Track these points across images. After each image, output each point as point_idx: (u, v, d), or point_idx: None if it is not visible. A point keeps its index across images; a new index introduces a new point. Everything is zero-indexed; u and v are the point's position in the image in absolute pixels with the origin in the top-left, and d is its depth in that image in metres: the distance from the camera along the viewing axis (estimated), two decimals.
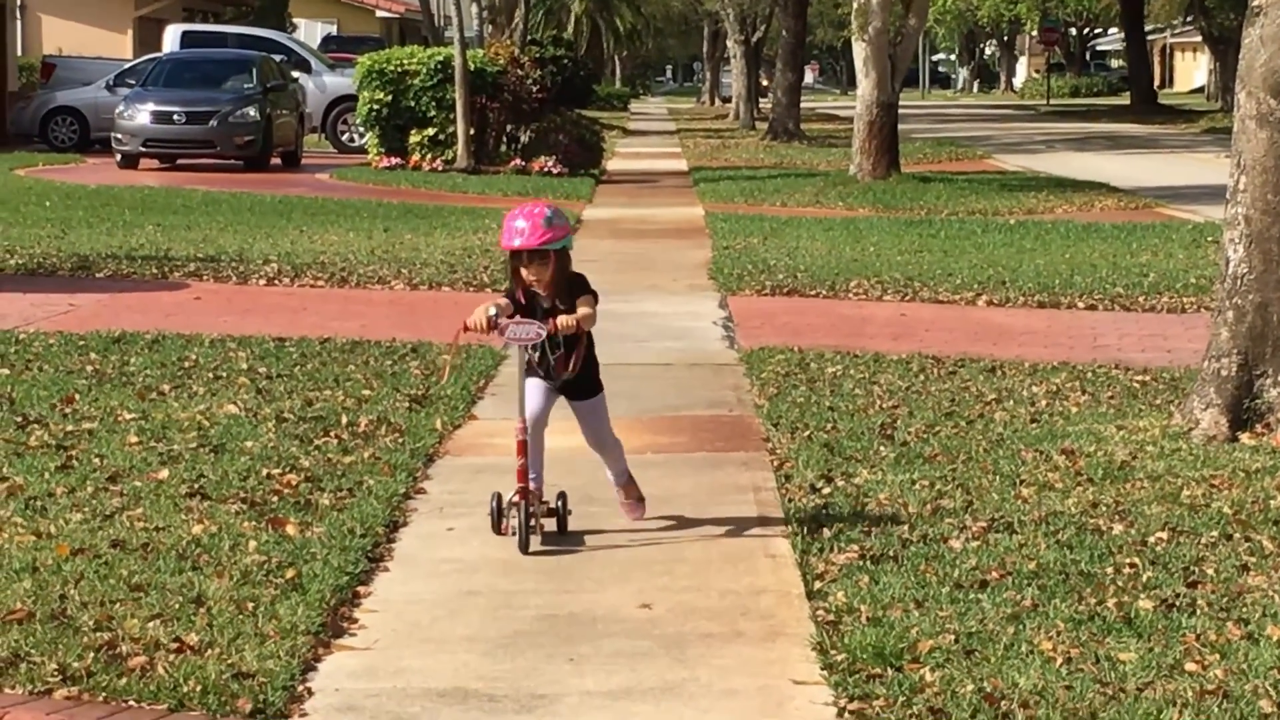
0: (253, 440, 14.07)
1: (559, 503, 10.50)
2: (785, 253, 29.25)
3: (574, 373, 10.50)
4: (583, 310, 10.36)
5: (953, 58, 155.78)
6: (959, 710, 8.50)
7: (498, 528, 10.48)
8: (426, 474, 13.12)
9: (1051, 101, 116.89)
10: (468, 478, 12.66)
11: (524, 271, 10.30)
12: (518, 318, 10.21)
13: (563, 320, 10.12)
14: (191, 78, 47.42)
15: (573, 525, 11.11)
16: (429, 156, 46.26)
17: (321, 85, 55.09)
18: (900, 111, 50.42)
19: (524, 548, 10.19)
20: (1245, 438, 14.56)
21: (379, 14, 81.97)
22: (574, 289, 10.39)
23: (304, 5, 79.36)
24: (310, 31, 68.97)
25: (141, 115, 45.70)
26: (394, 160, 46.78)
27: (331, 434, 14.44)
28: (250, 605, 9.94)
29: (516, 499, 10.21)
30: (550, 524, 10.53)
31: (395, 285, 24.44)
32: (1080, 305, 24.22)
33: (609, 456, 10.93)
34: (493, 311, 10.14)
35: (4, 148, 50.52)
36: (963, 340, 20.45)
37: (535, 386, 10.54)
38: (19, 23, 63.18)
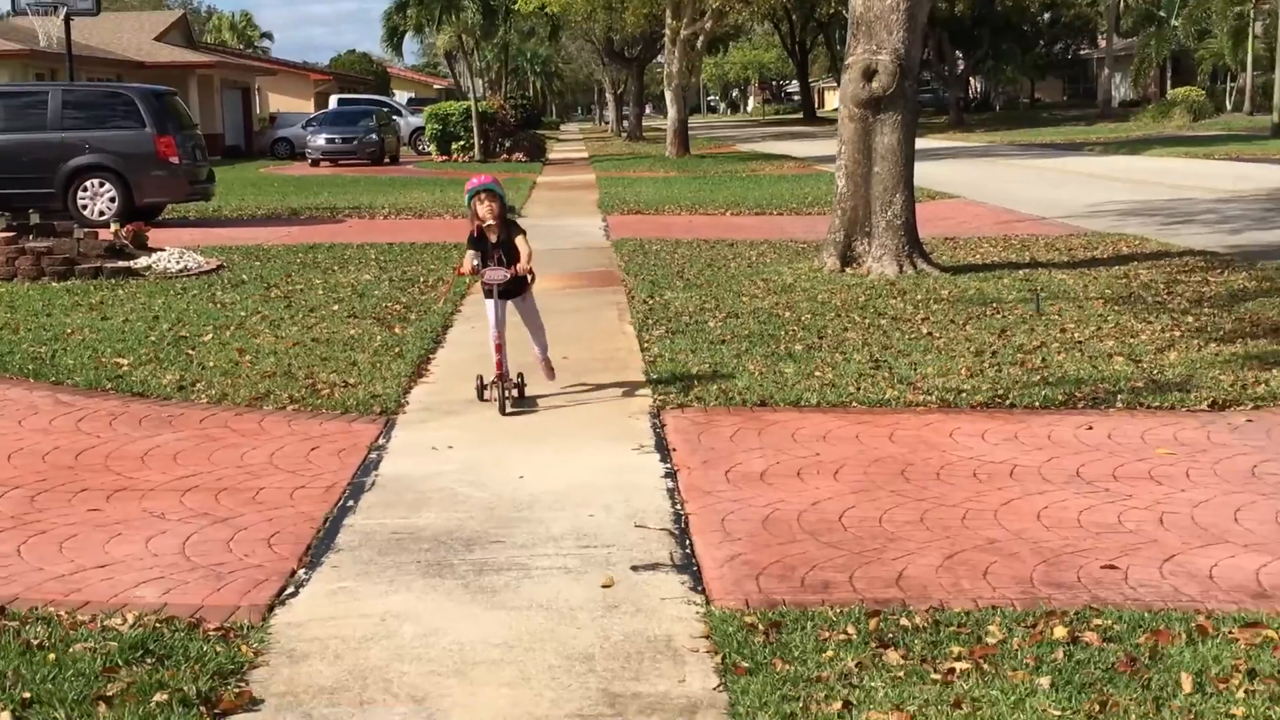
0: (378, 290, 14.20)
1: (519, 378, 9.01)
2: (633, 193, 28.98)
3: (512, 280, 8.85)
4: (525, 251, 8.83)
5: (715, 97, 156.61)
6: (709, 398, 9.11)
7: (481, 397, 9.06)
8: (461, 305, 13.22)
9: (766, 118, 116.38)
10: (478, 304, 12.83)
11: (479, 209, 8.84)
12: (490, 266, 8.80)
13: (520, 266, 8.77)
14: (343, 120, 47.82)
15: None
16: (461, 154, 46.24)
17: (407, 122, 55.39)
18: (690, 124, 50.73)
19: (503, 411, 8.72)
20: (848, 271, 14.84)
21: (434, 86, 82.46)
22: (511, 227, 8.94)
23: (399, 84, 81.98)
24: (401, 97, 69.15)
25: (319, 139, 46.09)
26: (443, 157, 46.69)
27: (415, 286, 14.55)
28: (378, 365, 10.34)
29: (496, 378, 8.82)
30: (515, 393, 8.95)
31: (445, 216, 23.95)
32: (775, 214, 24.14)
33: (537, 334, 9.34)
34: (476, 263, 8.82)
35: (252, 159, 50.78)
36: (718, 231, 20.35)
37: (492, 305, 8.95)
38: (257, 97, 63.28)
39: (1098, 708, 4.41)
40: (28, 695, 4.55)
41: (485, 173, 9.37)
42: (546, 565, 5.96)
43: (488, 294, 8.93)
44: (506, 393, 8.75)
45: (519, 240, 8.83)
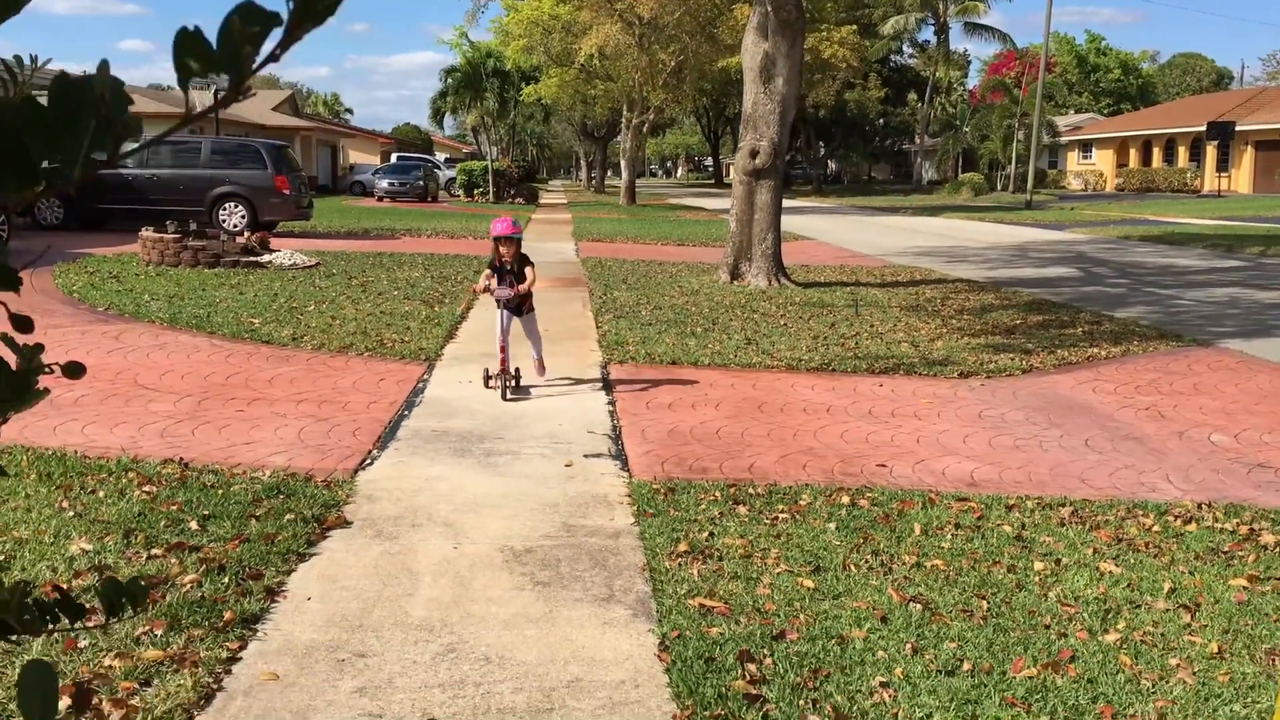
0: (424, 284, 14.30)
1: (516, 371, 7.92)
2: (596, 227, 28.71)
3: (517, 298, 7.95)
4: (530, 279, 7.95)
5: (655, 166, 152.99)
6: (640, 358, 9.44)
7: (487, 385, 8.05)
8: (477, 296, 13.21)
9: (689, 182, 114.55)
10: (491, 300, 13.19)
11: (501, 249, 7.85)
12: (500, 286, 7.88)
13: (522, 287, 7.85)
14: (401, 170, 46.40)
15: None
16: (480, 197, 45.88)
17: (444, 174, 53.98)
18: (636, 184, 50.33)
19: (504, 397, 7.74)
20: (735, 283, 14.98)
21: (463, 150, 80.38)
22: (523, 260, 7.97)
23: (439, 147, 78.73)
24: (440, 157, 67.53)
25: (384, 182, 44.82)
26: (469, 199, 46.01)
27: (449, 282, 14.59)
28: (424, 329, 10.59)
29: (499, 372, 7.86)
30: (514, 384, 7.92)
31: (469, 238, 23.64)
32: (690, 245, 23.79)
33: (535, 344, 8.29)
34: (488, 283, 7.88)
35: (337, 195, 49.83)
36: (651, 255, 20.29)
37: (499, 316, 8.01)
38: (341, 152, 61.99)
39: (862, 540, 4.95)
40: (206, 513, 4.99)
41: (506, 214, 7.74)
42: (530, 453, 6.43)
43: (499, 305, 8.06)
44: (507, 383, 7.84)
45: (527, 269, 7.99)
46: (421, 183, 46.24)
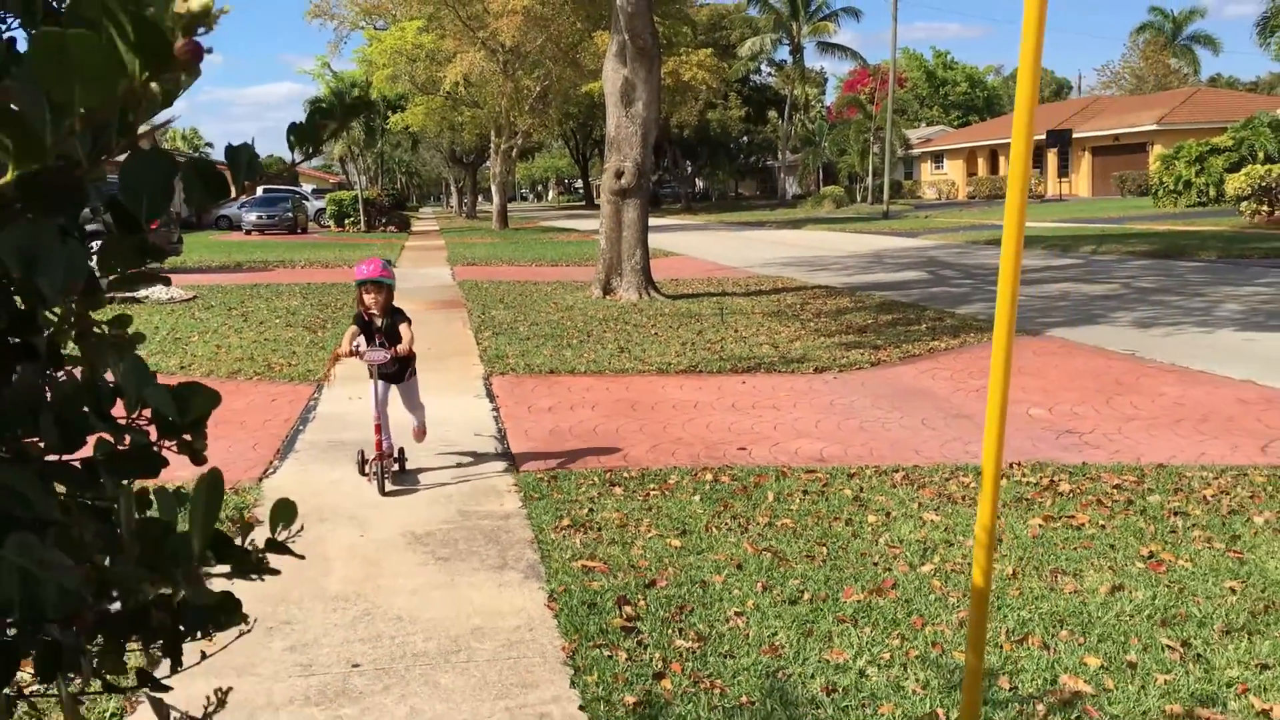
0: (304, 311, 14.55)
1: (400, 453, 6.43)
2: (471, 252, 28.79)
3: (395, 363, 6.29)
4: (408, 338, 6.21)
5: (526, 189, 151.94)
6: (520, 369, 9.93)
7: (362, 472, 6.36)
8: (339, 362, 13.62)
9: (560, 204, 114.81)
10: None
11: (366, 297, 6.26)
12: (372, 347, 6.22)
13: (401, 347, 6.16)
14: (268, 203, 45.38)
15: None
16: (351, 227, 45.57)
17: (313, 205, 53.21)
18: (508, 208, 50.47)
19: (381, 490, 6.04)
20: (607, 298, 15.64)
21: (330, 181, 78.95)
22: (396, 314, 6.30)
23: (305, 179, 76.84)
24: (307, 188, 66.26)
25: (251, 216, 44.07)
26: (339, 229, 45.57)
27: (329, 309, 14.87)
28: (309, 353, 10.94)
29: (375, 458, 6.07)
30: (396, 467, 6.37)
31: (344, 267, 23.63)
32: (563, 265, 23.97)
33: (417, 414, 6.68)
34: (355, 344, 6.19)
35: (203, 230, 48.54)
36: (526, 275, 20.62)
37: (374, 387, 6.30)
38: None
39: (723, 508, 5.65)
40: None
41: (375, 256, 6.66)
42: (423, 456, 6.95)
43: (371, 374, 6.38)
44: (386, 471, 6.13)
45: (403, 327, 6.30)
46: (290, 214, 45.62)
